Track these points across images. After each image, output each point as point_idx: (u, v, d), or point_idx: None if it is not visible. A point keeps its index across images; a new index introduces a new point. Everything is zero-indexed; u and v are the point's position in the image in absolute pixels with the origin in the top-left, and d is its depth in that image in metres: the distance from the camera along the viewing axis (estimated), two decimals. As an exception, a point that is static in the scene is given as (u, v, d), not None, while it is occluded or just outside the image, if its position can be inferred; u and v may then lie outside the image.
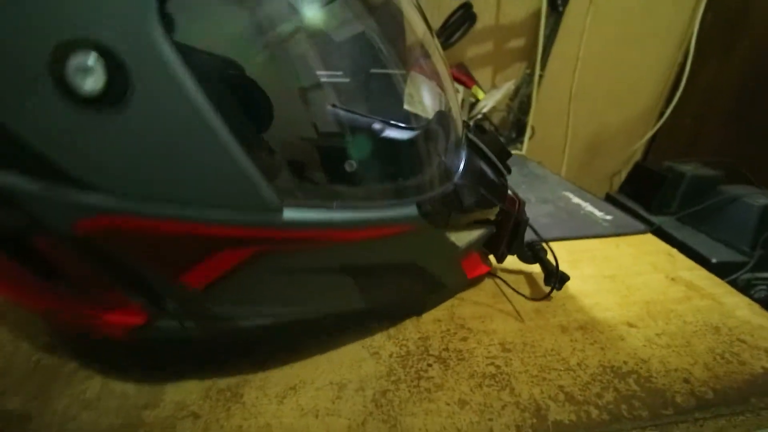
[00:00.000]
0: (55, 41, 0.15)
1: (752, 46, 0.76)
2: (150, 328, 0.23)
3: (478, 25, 0.77)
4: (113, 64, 0.15)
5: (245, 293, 0.23)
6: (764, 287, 0.63)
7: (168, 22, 0.15)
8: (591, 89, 0.85)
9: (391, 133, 0.30)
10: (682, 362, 0.31)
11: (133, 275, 0.21)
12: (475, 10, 0.68)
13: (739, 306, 0.38)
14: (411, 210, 0.24)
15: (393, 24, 0.28)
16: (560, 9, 0.72)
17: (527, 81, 0.77)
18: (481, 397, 0.27)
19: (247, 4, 0.20)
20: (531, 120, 0.78)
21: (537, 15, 0.73)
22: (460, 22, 0.67)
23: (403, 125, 0.30)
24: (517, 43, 0.79)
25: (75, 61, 0.15)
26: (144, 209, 0.18)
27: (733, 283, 0.62)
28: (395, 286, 0.29)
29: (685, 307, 0.37)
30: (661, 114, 0.86)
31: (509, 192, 0.34)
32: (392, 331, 0.32)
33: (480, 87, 0.79)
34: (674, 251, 0.47)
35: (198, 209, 0.18)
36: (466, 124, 0.33)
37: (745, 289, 0.62)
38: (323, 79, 0.23)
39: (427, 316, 0.33)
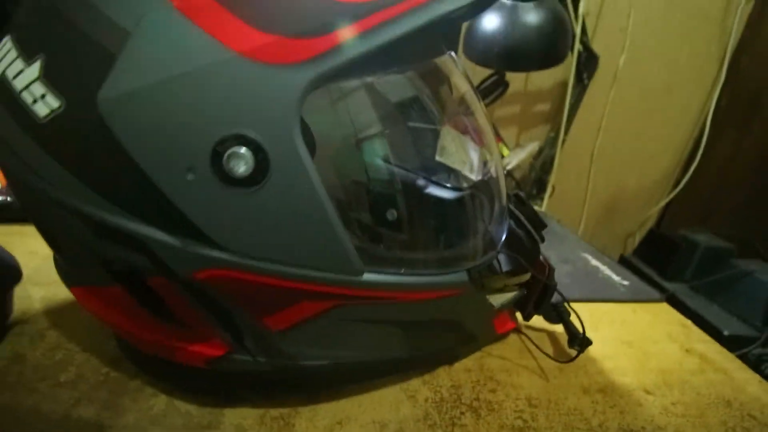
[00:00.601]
0: (220, 135, 0.19)
1: (766, 126, 0.80)
2: (226, 359, 0.27)
3: (511, 85, 0.83)
4: (260, 155, 0.19)
5: (315, 338, 0.26)
6: (776, 363, 0.64)
7: (303, 128, 0.20)
8: (611, 154, 0.89)
9: (452, 208, 0.33)
10: (696, 433, 0.33)
11: (227, 315, 0.25)
12: (507, 76, 0.74)
13: (750, 382, 0.40)
14: (462, 276, 0.28)
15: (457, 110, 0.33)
16: (585, 82, 0.78)
17: (551, 143, 0.82)
18: (509, 454, 0.29)
19: (344, 119, 0.25)
20: (552, 179, 0.82)
21: (564, 84, 0.79)
22: (493, 87, 0.73)
23: (460, 199, 0.34)
24: (543, 107, 0.85)
25: (231, 151, 0.19)
26: (255, 266, 0.21)
27: (744, 358, 0.64)
28: (435, 338, 0.33)
29: (699, 379, 0.39)
30: (677, 182, 0.90)
31: (541, 257, 0.38)
32: (427, 376, 0.35)
33: (506, 144, 0.84)
34: (688, 322, 0.49)
35: (298, 269, 0.22)
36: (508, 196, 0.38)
37: (755, 363, 0.63)
38: (400, 168, 0.28)
39: (459, 366, 0.36)
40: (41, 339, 0.33)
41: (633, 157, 0.91)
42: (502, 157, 0.83)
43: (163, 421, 0.29)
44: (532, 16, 0.60)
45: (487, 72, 0.73)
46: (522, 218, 0.36)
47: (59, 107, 0.20)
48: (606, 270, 0.59)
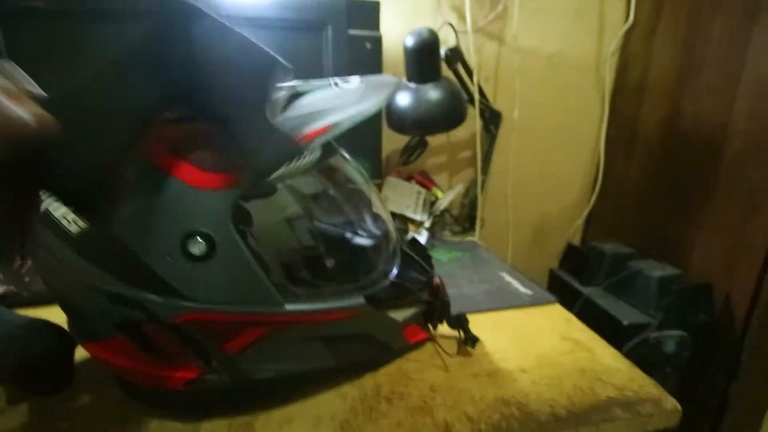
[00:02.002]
0: (185, 231, 0.32)
1: (644, 150, 0.99)
2: (200, 380, 0.38)
3: (436, 141, 1.00)
4: (209, 242, 0.33)
5: (261, 355, 0.38)
6: (671, 343, 0.77)
7: (234, 220, 0.33)
8: (530, 186, 1.06)
9: (355, 246, 0.47)
10: (552, 394, 0.46)
11: (199, 345, 0.37)
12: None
13: (607, 356, 0.53)
14: (360, 300, 0.41)
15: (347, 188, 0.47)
16: (493, 132, 0.95)
17: (474, 183, 0.98)
18: (411, 421, 0.41)
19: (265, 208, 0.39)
20: (480, 213, 0.97)
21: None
22: (416, 146, 0.89)
23: (362, 244, 0.48)
24: (466, 154, 1.02)
25: (192, 240, 0.33)
26: (214, 308, 0.34)
27: (646, 341, 0.77)
28: (356, 349, 0.45)
29: (567, 358, 0.52)
30: (589, 203, 1.07)
31: (437, 280, 0.51)
32: (355, 380, 0.46)
33: (439, 188, 1.00)
34: (572, 317, 0.63)
35: (241, 306, 0.35)
36: (400, 239, 0.52)
37: (655, 346, 0.77)
38: (310, 230, 0.42)
39: (382, 370, 0.48)
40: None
41: (549, 186, 1.08)
42: (437, 199, 0.98)
43: (158, 436, 0.40)
44: (432, 93, 0.77)
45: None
46: (413, 254, 0.50)
47: (87, 227, 0.33)
48: (516, 284, 0.72)
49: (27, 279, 0.65)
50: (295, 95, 0.37)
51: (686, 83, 0.88)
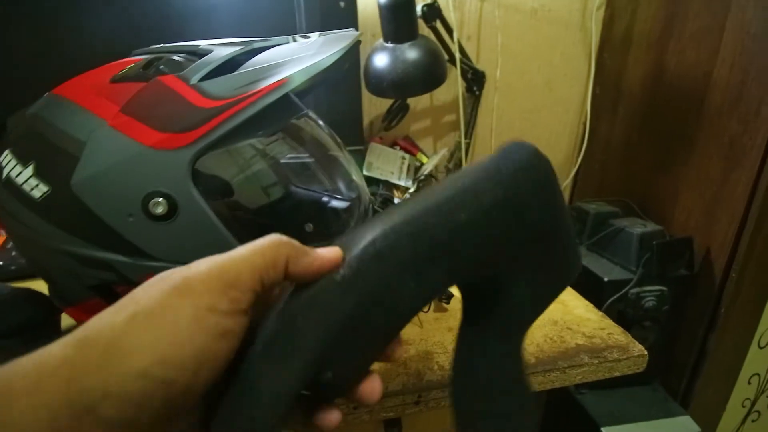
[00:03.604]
0: (145, 191, 0.33)
1: (630, 105, 0.98)
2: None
3: (418, 104, 0.99)
4: (170, 201, 0.33)
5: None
6: (652, 298, 0.79)
7: (195, 179, 0.34)
8: (515, 148, 1.05)
9: (324, 206, 0.48)
10: (522, 343, 0.47)
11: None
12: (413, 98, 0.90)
13: (578, 307, 0.55)
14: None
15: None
16: (477, 93, 0.94)
17: (459, 147, 0.97)
18: (384, 371, 0.43)
19: (226, 163, 0.39)
20: (465, 177, 0.97)
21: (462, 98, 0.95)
22: (397, 111, 0.88)
23: (332, 205, 0.49)
24: (450, 118, 1.01)
25: (152, 200, 0.33)
26: (181, 267, 0.35)
27: (626, 296, 0.79)
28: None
29: (540, 310, 0.54)
30: (575, 163, 1.07)
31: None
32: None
33: (424, 153, 0.99)
34: (550, 272, 0.64)
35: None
36: (373, 201, 0.52)
37: (635, 301, 0.78)
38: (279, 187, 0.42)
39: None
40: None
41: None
42: (422, 164, 0.98)
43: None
44: (410, 53, 0.76)
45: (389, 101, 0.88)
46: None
47: (48, 191, 0.33)
48: (497, 244, 0.73)
49: (14, 253, 0.66)
50: (252, 51, 0.37)
51: (671, 34, 0.86)
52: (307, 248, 0.22)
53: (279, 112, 0.38)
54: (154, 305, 0.19)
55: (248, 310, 0.20)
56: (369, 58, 0.79)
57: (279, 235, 0.22)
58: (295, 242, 0.22)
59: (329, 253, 0.21)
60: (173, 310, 0.19)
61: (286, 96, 0.36)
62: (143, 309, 0.19)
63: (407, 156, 0.97)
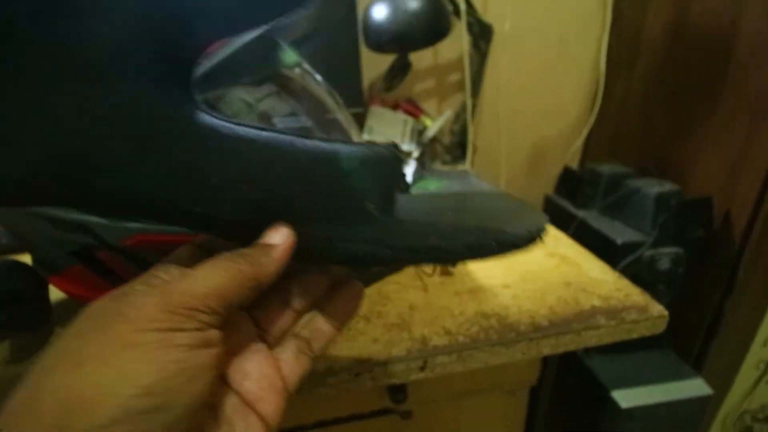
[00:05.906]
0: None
1: (648, 60, 0.91)
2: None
3: (422, 64, 0.93)
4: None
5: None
6: (666, 260, 0.76)
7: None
8: (524, 111, 1.00)
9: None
10: (534, 306, 0.45)
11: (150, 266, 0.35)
12: (417, 52, 0.84)
13: (594, 269, 0.52)
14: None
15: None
16: (484, 50, 0.88)
17: (464, 109, 0.92)
18: (388, 337, 0.41)
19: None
20: (471, 140, 0.93)
21: (467, 54, 0.90)
22: (398, 70, 0.83)
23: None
24: (455, 77, 0.95)
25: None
26: (161, 230, 0.32)
27: (640, 259, 0.76)
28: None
29: (552, 273, 0.51)
30: (588, 123, 1.01)
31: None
32: (335, 303, 0.46)
33: (428, 116, 0.95)
34: (562, 235, 0.61)
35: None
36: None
37: (649, 263, 0.75)
38: None
39: (361, 293, 0.47)
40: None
41: (545, 109, 1.01)
42: (425, 127, 0.94)
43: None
44: (411, 3, 0.70)
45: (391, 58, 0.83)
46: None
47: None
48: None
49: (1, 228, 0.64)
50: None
51: (697, -22, 0.79)
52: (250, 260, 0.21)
53: (264, 55, 0.35)
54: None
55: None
56: (367, 10, 0.73)
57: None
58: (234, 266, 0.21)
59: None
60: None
61: (271, 40, 0.32)
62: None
63: (410, 119, 0.92)
